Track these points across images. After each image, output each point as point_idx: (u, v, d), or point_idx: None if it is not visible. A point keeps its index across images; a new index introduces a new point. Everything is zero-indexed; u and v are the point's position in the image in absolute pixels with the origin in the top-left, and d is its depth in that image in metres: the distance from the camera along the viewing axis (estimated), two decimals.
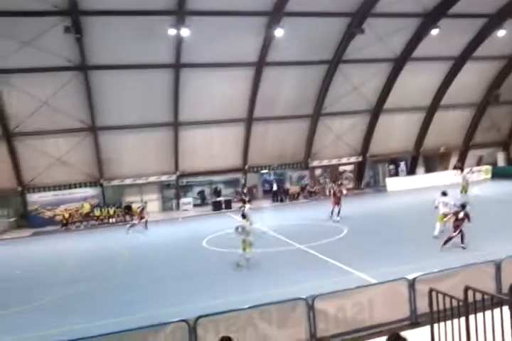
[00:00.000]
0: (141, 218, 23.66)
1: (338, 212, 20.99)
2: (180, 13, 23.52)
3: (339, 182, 31.41)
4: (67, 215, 28.09)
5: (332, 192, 23.97)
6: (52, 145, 27.85)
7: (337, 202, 21.38)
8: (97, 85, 26.41)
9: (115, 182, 29.86)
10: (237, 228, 14.04)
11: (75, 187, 29.24)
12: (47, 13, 22.38)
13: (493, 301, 6.11)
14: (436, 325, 6.42)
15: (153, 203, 31.33)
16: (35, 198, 28.73)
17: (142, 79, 26.76)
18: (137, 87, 26.98)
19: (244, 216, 14.67)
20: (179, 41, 25.03)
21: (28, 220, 28.62)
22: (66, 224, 27.72)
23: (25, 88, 25.12)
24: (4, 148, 26.92)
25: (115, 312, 10.61)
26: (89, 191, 29.67)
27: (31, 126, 26.55)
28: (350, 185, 35.37)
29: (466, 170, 26.68)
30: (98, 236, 24.45)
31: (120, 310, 10.78)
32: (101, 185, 29.64)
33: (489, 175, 34.09)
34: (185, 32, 23.68)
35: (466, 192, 22.41)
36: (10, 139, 26.87)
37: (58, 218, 28.33)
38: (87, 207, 28.82)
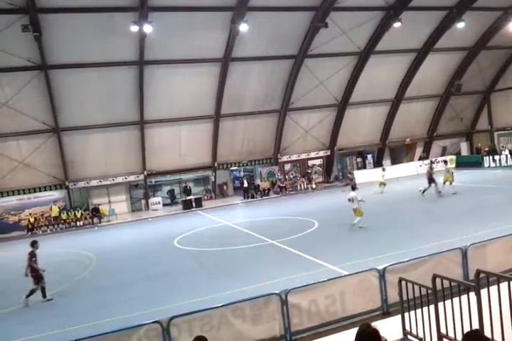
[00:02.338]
0: None
1: None
2: (142, 9, 22.95)
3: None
4: (32, 220, 27.29)
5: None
6: (14, 148, 26.95)
7: None
8: (59, 85, 25.66)
9: (81, 184, 29.15)
10: (349, 199, 16.54)
11: (40, 191, 28.37)
12: (3, 10, 21.52)
13: (460, 288, 6.24)
14: (406, 314, 6.53)
15: (121, 204, 30.80)
16: None
17: (105, 77, 26.17)
18: (100, 85, 26.37)
19: (353, 188, 17.13)
20: (142, 38, 24.52)
21: None
22: (32, 229, 26.93)
23: None
24: None
25: (86, 317, 10.38)
26: (55, 194, 28.86)
27: None
28: (320, 179, 35.74)
29: (445, 162, 27.28)
30: (65, 240, 23.85)
31: (92, 314, 10.55)
32: (67, 188, 28.88)
33: (453, 165, 35.03)
34: (147, 28, 23.21)
35: (451, 183, 22.84)
36: None
37: (23, 223, 27.48)
38: (55, 211, 28.01)
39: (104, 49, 24.76)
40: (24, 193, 27.99)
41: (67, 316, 10.73)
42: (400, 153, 38.53)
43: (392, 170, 31.45)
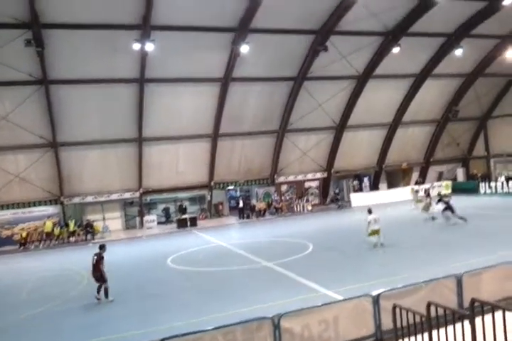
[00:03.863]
0: None
1: None
2: (144, 28, 23.36)
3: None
4: (24, 234, 27.02)
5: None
6: (11, 161, 26.93)
7: None
8: (59, 100, 25.82)
9: (76, 200, 29.01)
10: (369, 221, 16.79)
11: (35, 205, 28.18)
12: (6, 25, 21.84)
13: (455, 316, 6.18)
14: None
15: (115, 221, 30.63)
16: None
17: (105, 93, 26.36)
18: (100, 101, 26.55)
19: (370, 211, 17.13)
20: (144, 56, 24.85)
21: None
22: (24, 244, 26.66)
23: None
24: None
25: (77, 336, 10.18)
26: (49, 209, 28.67)
27: None
28: (316, 201, 35.69)
29: (422, 189, 27.40)
30: (58, 256, 23.58)
31: (82, 334, 10.35)
32: (61, 203, 28.70)
33: (449, 190, 35.10)
34: (149, 47, 23.52)
35: (427, 209, 23.01)
36: None
37: (16, 237, 27.20)
38: (49, 226, 27.78)
39: (105, 66, 25.03)
40: (18, 207, 27.82)
41: (54, 335, 10.51)
42: (397, 177, 38.64)
43: (388, 194, 31.50)
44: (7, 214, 27.72)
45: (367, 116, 33.53)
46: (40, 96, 25.36)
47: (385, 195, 28.98)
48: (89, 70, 24.94)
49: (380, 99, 32.96)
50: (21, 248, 26.40)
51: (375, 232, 16.74)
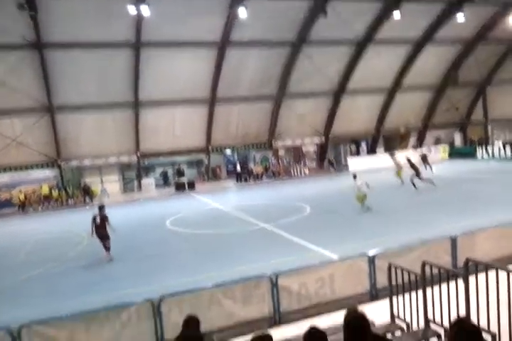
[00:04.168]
0: None
1: None
2: None
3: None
4: (22, 197, 27.21)
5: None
6: (7, 125, 26.81)
7: None
8: (54, 64, 25.39)
9: (73, 163, 29.08)
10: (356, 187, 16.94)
11: (32, 169, 28.28)
12: None
13: (449, 275, 6.33)
14: (394, 299, 6.63)
15: (113, 184, 30.83)
16: None
17: (101, 57, 25.89)
18: (96, 65, 26.11)
19: (355, 176, 17.26)
20: (139, 19, 24.19)
21: None
22: (23, 206, 26.89)
23: None
24: None
25: (77, 294, 10.43)
26: (47, 172, 28.79)
27: None
28: (313, 165, 35.85)
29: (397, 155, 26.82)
30: (56, 218, 23.87)
31: (82, 292, 10.60)
32: (59, 167, 28.75)
33: (446, 155, 35.21)
34: (145, 9, 22.83)
35: (399, 175, 22.65)
36: None
37: (15, 200, 27.41)
38: (45, 189, 28.00)
39: (100, 29, 24.44)
40: (16, 171, 27.88)
41: (55, 293, 10.77)
42: (394, 142, 38.63)
43: (386, 158, 31.44)
44: (5, 177, 27.88)
45: (366, 81, 33.10)
46: (35, 59, 24.95)
47: (381, 159, 29.03)
48: (85, 34, 24.38)
49: (379, 64, 32.40)
50: (20, 210, 26.64)
51: (363, 197, 16.79)
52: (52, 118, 27.28)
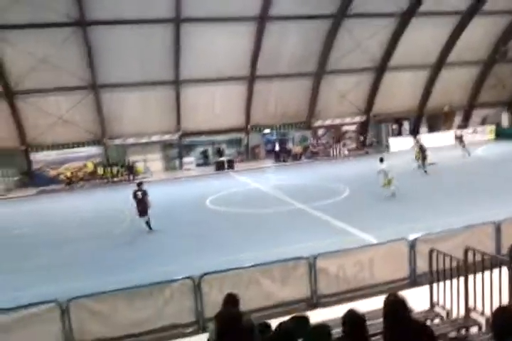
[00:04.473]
0: None
1: None
2: None
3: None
4: (69, 174, 28.25)
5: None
6: (53, 103, 27.60)
7: None
8: (97, 41, 25.78)
9: (118, 141, 29.84)
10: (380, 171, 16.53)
11: (78, 146, 29.24)
12: None
13: (493, 262, 6.20)
14: (435, 285, 6.56)
15: (156, 162, 31.49)
16: (39, 157, 28.87)
17: (142, 34, 26.06)
18: (137, 43, 26.33)
19: (382, 160, 16.76)
20: None
21: (33, 179, 28.84)
22: (70, 183, 27.95)
23: (24, 45, 24.53)
24: (6, 106, 26.72)
25: (121, 270, 10.89)
26: (93, 150, 29.70)
27: (32, 84, 26.15)
28: (353, 145, 35.26)
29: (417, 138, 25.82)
30: (101, 195, 24.71)
31: (126, 268, 11.06)
32: (104, 144, 29.61)
33: (493, 136, 33.80)
34: None
35: (419, 158, 22.00)
36: (11, 97, 26.60)
37: (62, 177, 28.49)
38: (90, 166, 28.98)
39: (141, 6, 24.52)
40: (63, 148, 28.91)
41: (100, 268, 11.27)
42: (438, 121, 37.33)
43: (429, 138, 30.58)
44: (53, 155, 28.95)
45: (409, 57, 31.85)
46: (79, 37, 25.36)
47: (425, 139, 28.12)
48: (126, 11, 24.52)
49: (423, 38, 31.05)
50: (67, 187, 27.71)
51: (389, 182, 16.21)
52: (97, 96, 27.92)
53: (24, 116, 27.52)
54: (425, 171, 21.03)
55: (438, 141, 31.64)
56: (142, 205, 14.31)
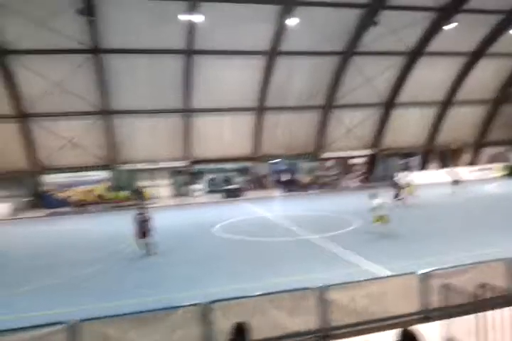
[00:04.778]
0: None
1: None
2: None
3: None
4: (79, 197, 28.40)
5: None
6: (65, 127, 28.15)
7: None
8: (110, 68, 26.54)
9: (127, 167, 30.11)
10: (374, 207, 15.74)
11: (88, 170, 29.56)
12: None
13: (507, 299, 6.12)
14: (448, 320, 6.46)
15: (164, 188, 31.65)
16: (49, 179, 29.16)
17: (155, 64, 26.83)
18: (149, 71, 27.06)
19: (374, 196, 16.07)
20: (192, 27, 24.98)
21: (42, 200, 29.03)
22: (78, 206, 28.05)
23: (39, 69, 25.33)
24: (19, 128, 27.22)
25: (129, 294, 10.78)
26: (102, 174, 29.95)
27: (44, 107, 26.83)
28: (361, 178, 35.29)
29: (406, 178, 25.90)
30: (109, 219, 24.70)
31: (134, 292, 10.95)
32: (113, 169, 29.89)
33: (500, 174, 33.73)
34: (197, 18, 23.59)
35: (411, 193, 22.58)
36: (24, 120, 27.15)
37: (72, 199, 28.63)
38: (100, 190, 29.14)
39: (154, 36, 25.37)
40: (73, 172, 29.22)
41: (108, 291, 11.18)
42: (446, 157, 37.42)
43: (437, 174, 30.57)
44: (62, 178, 29.22)
45: (417, 94, 32.49)
46: (92, 64, 26.14)
47: (434, 174, 28.11)
48: (139, 40, 25.40)
49: (431, 76, 31.75)
50: (76, 209, 27.80)
51: (381, 219, 15.47)
52: (108, 121, 28.45)
53: (36, 139, 28.02)
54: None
55: (447, 177, 31.51)
56: (143, 229, 14.66)
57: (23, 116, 27.02)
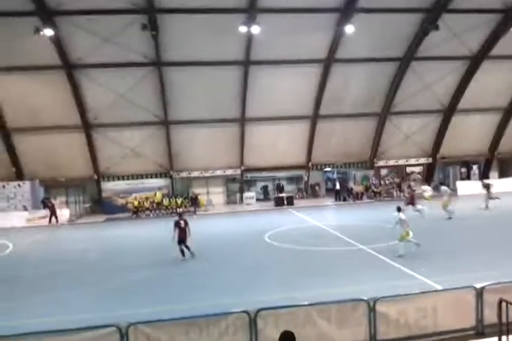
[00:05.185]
0: None
1: None
2: (251, 11, 23.84)
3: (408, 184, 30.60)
4: (137, 203, 29.50)
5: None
6: (127, 136, 29.36)
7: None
8: (171, 81, 27.45)
9: (183, 174, 31.02)
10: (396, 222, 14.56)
11: (147, 178, 30.71)
12: (125, 11, 23.55)
13: None
14: (504, 337, 6.19)
15: (218, 196, 32.24)
16: (109, 186, 30.55)
17: (213, 75, 27.42)
18: (208, 83, 27.71)
19: (399, 209, 14.96)
20: (249, 38, 25.38)
21: (102, 206, 30.47)
22: (136, 212, 29.12)
23: (104, 82, 26.64)
24: (83, 138, 28.74)
25: (180, 299, 11.08)
26: (160, 181, 31.01)
27: (108, 118, 28.16)
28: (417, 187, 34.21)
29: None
30: (166, 225, 25.37)
31: (185, 297, 11.24)
32: (170, 177, 30.87)
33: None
34: (255, 29, 23.96)
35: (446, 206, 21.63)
36: (89, 130, 28.63)
37: (129, 206, 29.78)
38: (159, 197, 30.18)
39: (213, 48, 25.95)
40: (132, 179, 30.47)
41: (160, 296, 11.53)
42: (509, 167, 35.51)
43: (500, 184, 29.03)
44: (122, 185, 30.54)
45: (479, 100, 31.13)
46: (154, 77, 27.16)
47: (496, 184, 26.66)
48: (199, 53, 26.05)
49: (494, 81, 30.34)
50: (134, 215, 28.90)
51: (407, 234, 14.22)
52: (167, 131, 29.45)
53: (99, 148, 29.45)
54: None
55: (509, 187, 29.92)
56: (183, 234, 15.19)
57: (89, 127, 28.51)
